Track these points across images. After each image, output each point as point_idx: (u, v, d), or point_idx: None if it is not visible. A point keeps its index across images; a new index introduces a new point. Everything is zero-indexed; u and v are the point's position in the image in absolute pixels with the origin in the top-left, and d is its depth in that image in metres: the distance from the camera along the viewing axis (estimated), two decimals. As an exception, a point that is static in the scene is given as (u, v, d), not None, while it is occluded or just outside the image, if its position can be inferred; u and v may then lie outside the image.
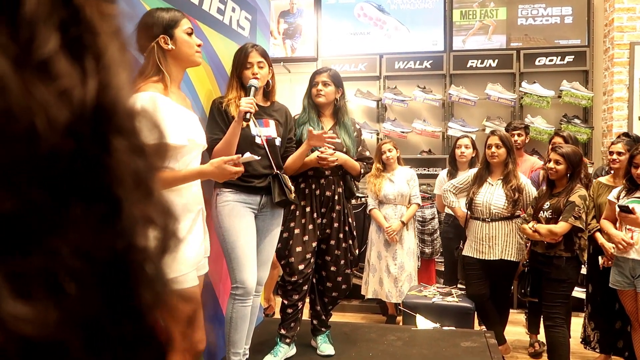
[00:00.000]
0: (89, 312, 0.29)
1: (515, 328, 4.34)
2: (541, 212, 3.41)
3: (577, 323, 3.97)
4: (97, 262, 0.29)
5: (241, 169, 2.15)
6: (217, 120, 2.56)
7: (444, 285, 4.22)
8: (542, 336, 3.79)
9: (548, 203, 3.39)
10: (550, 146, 3.82)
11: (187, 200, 1.94)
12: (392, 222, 4.35)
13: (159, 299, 0.33)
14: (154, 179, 0.33)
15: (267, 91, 2.78)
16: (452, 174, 4.38)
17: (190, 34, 2.01)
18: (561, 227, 3.26)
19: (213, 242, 2.80)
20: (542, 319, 3.61)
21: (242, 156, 2.22)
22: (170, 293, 0.34)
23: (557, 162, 3.36)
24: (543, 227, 3.33)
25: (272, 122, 2.74)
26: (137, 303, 0.32)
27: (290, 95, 5.62)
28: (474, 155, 4.36)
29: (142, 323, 0.32)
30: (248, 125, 2.59)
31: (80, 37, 0.30)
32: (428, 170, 5.58)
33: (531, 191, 3.65)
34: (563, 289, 3.38)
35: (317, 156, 2.82)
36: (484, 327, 3.79)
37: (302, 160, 2.83)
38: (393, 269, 4.35)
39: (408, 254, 4.36)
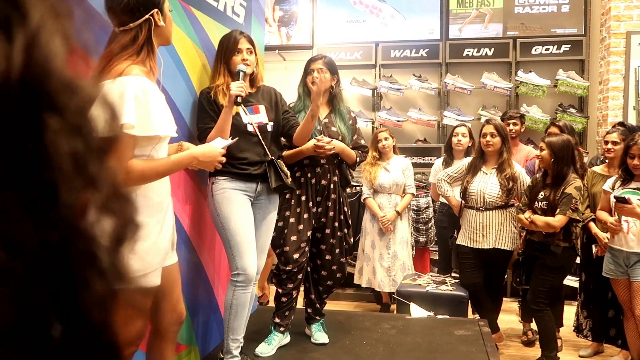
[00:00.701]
0: (18, 309, 0.26)
1: (508, 316, 4.36)
2: (536, 202, 3.42)
3: (569, 311, 4.00)
4: (26, 253, 0.26)
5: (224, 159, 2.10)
6: (207, 109, 2.54)
7: (438, 274, 4.23)
8: (535, 325, 3.81)
9: (543, 193, 3.39)
10: (547, 135, 3.82)
11: (159, 192, 1.81)
12: (387, 211, 4.35)
13: (113, 292, 0.30)
14: (101, 163, 0.30)
15: (252, 78, 2.76)
16: (447, 163, 4.37)
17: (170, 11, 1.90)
18: (559, 220, 3.27)
19: (208, 229, 2.80)
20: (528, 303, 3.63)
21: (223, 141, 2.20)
22: (128, 284, 0.31)
23: (541, 149, 3.41)
24: (540, 219, 3.34)
25: (261, 108, 2.72)
26: (82, 299, 0.29)
27: (286, 83, 5.59)
28: (470, 144, 4.36)
29: (89, 321, 0.29)
30: (239, 114, 2.58)
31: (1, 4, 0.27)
32: (423, 159, 5.57)
33: (525, 180, 3.65)
34: (554, 276, 3.41)
35: (314, 144, 2.80)
36: (477, 315, 3.81)
37: (310, 121, 2.74)
38: (386, 258, 4.36)
39: (401, 244, 4.37)
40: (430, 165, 5.09)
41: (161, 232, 1.79)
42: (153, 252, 1.75)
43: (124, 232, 0.31)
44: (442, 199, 4.45)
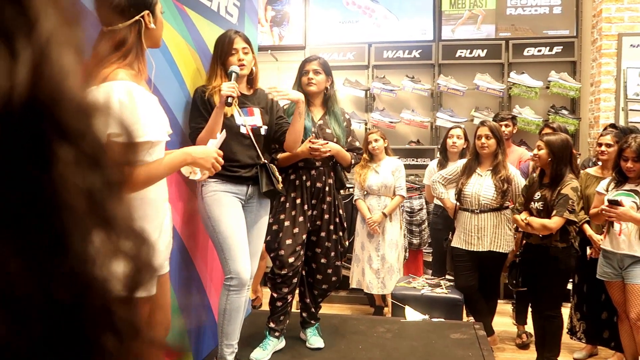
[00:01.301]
0: None
1: (503, 319, 4.35)
2: (532, 202, 3.39)
3: (563, 313, 3.99)
4: (29, 318, 0.22)
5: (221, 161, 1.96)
6: (200, 109, 2.50)
7: (432, 277, 4.21)
8: (529, 327, 3.80)
9: (539, 193, 3.37)
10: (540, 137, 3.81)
11: (156, 197, 1.71)
12: (375, 213, 4.33)
13: (127, 349, 0.25)
14: (118, 199, 0.26)
15: (250, 79, 2.72)
16: (442, 165, 4.35)
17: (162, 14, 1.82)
18: (555, 222, 3.24)
19: (201, 232, 2.75)
20: (531, 309, 3.61)
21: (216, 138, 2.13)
22: (143, 340, 0.26)
23: (539, 148, 3.37)
24: (536, 221, 3.30)
25: (256, 111, 2.67)
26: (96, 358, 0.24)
27: (278, 83, 5.54)
28: (465, 146, 4.34)
29: None
30: (232, 115, 2.54)
31: (4, 8, 0.22)
32: (417, 161, 5.56)
33: (520, 182, 3.64)
34: (561, 278, 3.40)
35: (309, 147, 2.77)
36: (472, 318, 3.79)
37: (297, 120, 2.71)
38: (375, 260, 4.34)
39: (390, 246, 4.34)
40: (423, 166, 5.07)
41: (159, 239, 1.73)
42: None
43: (139, 277, 0.26)
44: (436, 201, 4.43)
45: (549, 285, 3.39)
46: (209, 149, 1.83)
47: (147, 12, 1.69)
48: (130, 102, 1.57)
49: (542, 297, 3.46)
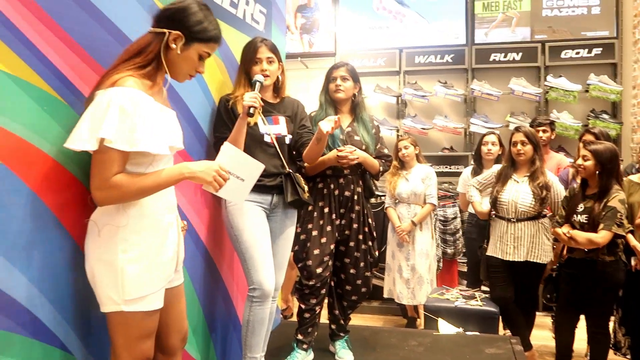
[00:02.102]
0: None
1: (541, 332, 4.18)
2: (575, 215, 3.22)
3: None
4: None
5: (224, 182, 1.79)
6: (223, 118, 2.47)
7: (467, 288, 4.08)
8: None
9: (582, 206, 3.20)
10: (580, 144, 3.65)
11: (155, 210, 1.67)
12: (404, 222, 4.23)
13: None
14: None
15: (277, 87, 2.67)
16: (476, 172, 4.23)
17: (202, 58, 1.74)
18: (603, 236, 3.04)
19: (226, 242, 2.71)
20: (586, 323, 3.41)
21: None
22: None
23: (584, 159, 3.19)
24: (581, 235, 3.11)
25: (282, 119, 2.63)
26: None
27: (308, 91, 5.52)
28: (500, 152, 4.21)
29: None
30: (256, 124, 2.50)
31: None
32: (450, 168, 5.43)
33: (559, 189, 3.48)
34: (609, 294, 3.21)
35: (337, 155, 2.70)
36: (508, 332, 3.64)
37: (316, 144, 2.61)
38: (405, 270, 4.24)
39: (421, 256, 4.23)
40: (457, 174, 4.95)
41: (160, 253, 1.68)
42: (150, 274, 1.64)
43: None
44: (470, 209, 4.30)
45: (597, 301, 3.21)
46: (210, 163, 1.75)
47: (177, 32, 1.65)
48: (132, 111, 1.53)
49: (589, 314, 3.28)
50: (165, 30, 1.66)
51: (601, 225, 3.05)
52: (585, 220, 3.14)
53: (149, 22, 1.74)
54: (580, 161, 3.21)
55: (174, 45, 1.66)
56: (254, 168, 2.00)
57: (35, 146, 1.52)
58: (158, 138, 1.60)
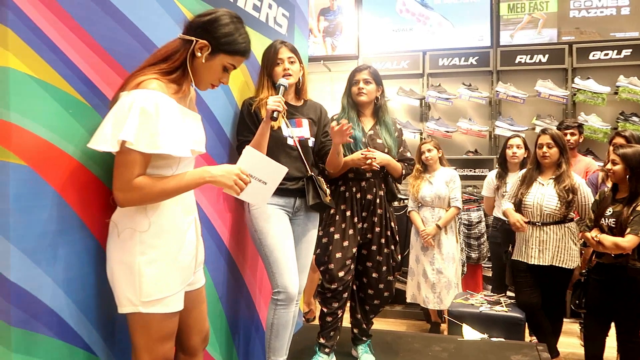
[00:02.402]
0: None
1: (569, 339, 4.08)
2: (603, 218, 3.14)
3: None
4: None
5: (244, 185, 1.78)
6: (247, 122, 2.48)
7: (492, 293, 4.01)
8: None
9: (611, 209, 3.12)
10: (610, 147, 3.56)
11: (174, 211, 1.68)
12: (428, 225, 4.18)
13: None
14: None
15: (299, 89, 2.67)
16: (501, 176, 4.16)
17: (226, 69, 1.74)
18: (630, 240, 2.95)
19: (249, 245, 2.71)
20: (616, 330, 3.31)
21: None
22: None
23: (613, 163, 3.11)
24: (608, 239, 3.03)
25: (305, 122, 2.63)
26: None
27: (331, 94, 5.52)
28: (525, 155, 4.13)
29: None
30: (280, 127, 2.50)
31: None
32: (474, 172, 5.36)
33: (586, 192, 3.40)
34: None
35: (362, 156, 2.69)
36: (535, 338, 3.57)
37: (336, 156, 2.65)
38: (431, 274, 4.18)
39: (447, 260, 4.17)
40: (481, 177, 4.88)
41: (179, 255, 1.68)
42: (168, 276, 1.65)
43: None
44: (495, 213, 4.24)
45: (627, 308, 3.12)
46: (230, 167, 1.74)
47: (203, 41, 1.66)
48: (155, 113, 1.54)
49: (619, 322, 3.19)
50: (192, 38, 1.66)
51: (628, 230, 2.97)
52: (613, 224, 3.06)
53: (176, 29, 1.75)
54: (609, 165, 3.13)
55: (199, 54, 1.67)
56: (276, 171, 1.99)
57: (59, 148, 1.54)
58: (179, 141, 1.60)
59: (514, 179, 4.05)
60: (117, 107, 1.55)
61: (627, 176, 3.06)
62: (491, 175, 4.31)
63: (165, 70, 1.64)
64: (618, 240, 3.00)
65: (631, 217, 2.98)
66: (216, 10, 1.73)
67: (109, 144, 1.51)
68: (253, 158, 1.91)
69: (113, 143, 1.51)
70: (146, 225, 1.61)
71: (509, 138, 4.27)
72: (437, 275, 4.17)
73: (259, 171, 1.92)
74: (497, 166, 4.37)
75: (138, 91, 1.55)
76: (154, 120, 1.53)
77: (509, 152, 4.15)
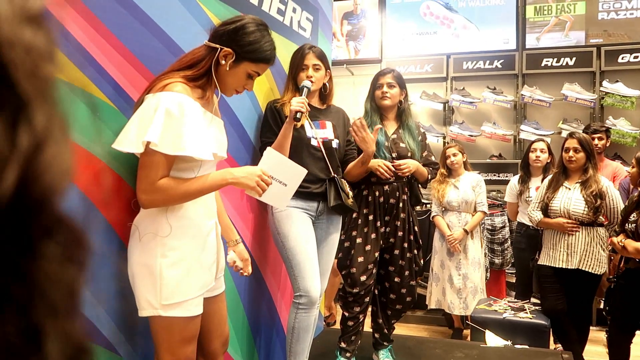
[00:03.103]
0: None
1: (595, 348, 4.00)
2: (627, 224, 3.08)
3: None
4: None
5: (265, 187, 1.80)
6: (270, 123, 2.49)
7: (516, 300, 3.95)
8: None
9: (635, 214, 3.06)
10: None
11: (195, 214, 1.69)
12: (455, 230, 4.14)
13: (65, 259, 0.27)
14: (81, 289, 0.27)
15: (325, 94, 2.67)
16: (524, 180, 4.11)
17: (250, 76, 1.77)
18: None
19: (271, 248, 2.72)
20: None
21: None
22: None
23: (633, 166, 3.09)
24: (631, 245, 2.97)
25: (329, 124, 2.63)
26: None
27: (354, 98, 5.51)
28: (549, 160, 4.07)
29: None
30: (303, 127, 2.50)
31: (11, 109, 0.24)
32: (498, 176, 5.29)
33: (615, 196, 3.33)
34: None
35: (385, 166, 2.69)
36: (560, 346, 3.51)
37: (360, 169, 2.69)
38: (456, 280, 4.13)
39: (473, 265, 4.13)
40: (505, 182, 4.81)
41: (200, 259, 1.69)
42: (189, 280, 1.64)
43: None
44: (519, 219, 4.18)
45: None
46: (253, 169, 1.76)
47: (228, 49, 1.68)
48: (179, 115, 1.55)
49: None
50: (217, 46, 1.69)
51: None
52: (633, 229, 3.00)
53: (203, 34, 1.78)
54: (629, 168, 3.10)
55: (223, 62, 1.70)
56: (296, 173, 2.00)
57: (85, 149, 1.57)
58: (203, 144, 1.61)
59: (536, 183, 3.99)
60: (142, 108, 1.57)
61: None
62: (514, 181, 4.26)
63: (190, 77, 1.66)
64: (639, 245, 2.93)
65: None
66: (242, 17, 1.75)
67: (133, 145, 1.53)
68: (274, 159, 1.93)
69: (137, 144, 1.53)
70: (167, 230, 1.62)
71: (533, 142, 4.21)
72: (464, 280, 4.12)
73: (279, 173, 1.92)
74: (520, 170, 4.31)
75: (164, 93, 1.56)
76: (178, 123, 1.55)
77: (532, 155, 4.10)
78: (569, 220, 3.33)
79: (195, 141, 1.58)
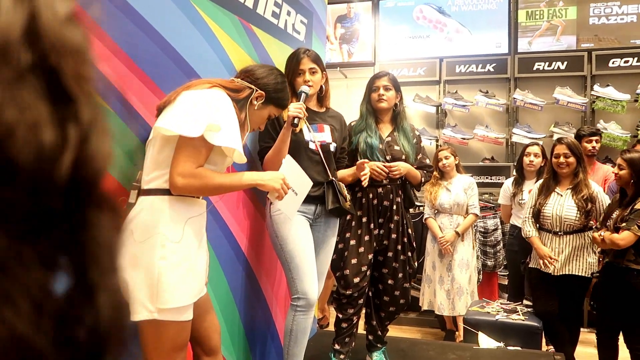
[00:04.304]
0: None
1: (586, 349, 4.03)
2: (609, 220, 3.14)
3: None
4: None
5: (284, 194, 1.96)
6: (268, 128, 2.49)
7: (508, 302, 3.98)
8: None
9: (617, 212, 3.11)
10: None
11: (200, 220, 1.72)
12: (447, 232, 4.16)
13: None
14: (121, 250, 0.32)
15: (321, 96, 2.68)
16: (518, 183, 4.14)
17: (269, 118, 2.04)
18: (624, 237, 2.96)
19: (266, 252, 2.73)
20: (623, 338, 3.27)
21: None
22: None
23: (619, 167, 3.14)
24: (607, 237, 3.05)
25: (327, 127, 2.64)
26: None
27: (347, 101, 5.52)
28: (542, 164, 4.10)
29: None
30: (301, 130, 2.51)
31: (63, 103, 0.28)
32: (491, 179, 5.33)
33: (604, 200, 3.38)
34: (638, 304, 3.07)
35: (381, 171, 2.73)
36: (552, 347, 3.53)
37: (351, 178, 2.75)
38: (446, 281, 4.16)
39: (461, 266, 4.15)
40: (498, 184, 4.85)
41: (196, 264, 1.69)
42: (188, 284, 1.63)
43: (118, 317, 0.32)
44: (512, 221, 4.21)
45: (630, 314, 3.08)
46: (277, 173, 1.93)
47: (262, 92, 1.92)
48: (228, 112, 1.67)
49: (626, 328, 3.15)
50: (254, 87, 1.90)
51: (623, 225, 2.97)
52: (613, 223, 3.07)
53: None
54: (616, 169, 3.18)
55: (255, 102, 1.90)
56: (305, 183, 2.13)
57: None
58: (237, 136, 1.71)
59: (530, 186, 4.03)
60: (191, 98, 1.64)
61: (633, 181, 3.06)
62: (507, 183, 4.29)
63: (233, 98, 1.79)
64: (613, 236, 3.01)
65: (628, 215, 2.98)
66: (270, 68, 2.04)
67: (187, 129, 1.57)
68: (291, 168, 2.06)
69: (195, 128, 1.57)
70: (179, 235, 1.62)
71: (527, 146, 4.24)
72: (452, 282, 4.15)
73: (293, 181, 2.04)
74: (514, 173, 4.34)
75: (214, 90, 1.69)
76: (229, 119, 1.66)
77: (526, 159, 4.13)
78: (552, 258, 3.36)
79: (238, 138, 1.69)
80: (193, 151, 1.61)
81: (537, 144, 4.26)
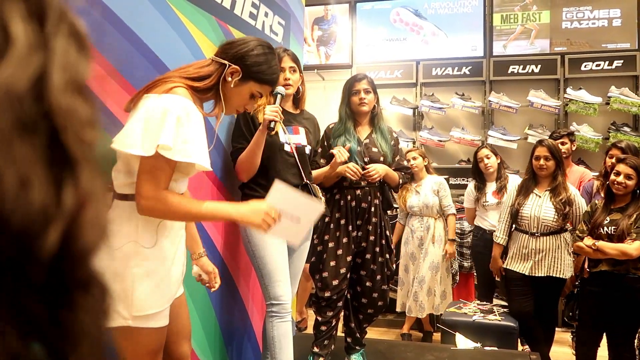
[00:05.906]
0: None
1: (561, 348, 4.09)
2: (601, 228, 3.12)
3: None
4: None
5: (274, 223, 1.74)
6: (242, 129, 2.46)
7: (485, 303, 4.01)
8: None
9: (609, 218, 3.13)
10: (608, 158, 3.59)
11: (177, 228, 1.66)
12: (416, 234, 4.22)
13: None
14: (107, 340, 0.30)
15: (297, 98, 2.67)
16: (479, 188, 4.13)
17: (253, 96, 1.78)
18: (636, 247, 2.93)
19: (243, 253, 2.70)
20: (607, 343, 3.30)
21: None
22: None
23: (628, 177, 3.05)
24: (611, 247, 3.01)
25: (302, 130, 2.63)
26: None
27: (325, 103, 5.52)
28: (498, 161, 4.12)
29: None
30: (277, 132, 2.49)
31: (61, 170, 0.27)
32: (466, 180, 5.36)
33: (581, 203, 3.42)
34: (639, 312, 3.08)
35: (352, 171, 2.71)
36: (527, 347, 3.58)
37: (325, 179, 2.74)
38: (415, 283, 4.19)
39: (431, 268, 4.18)
40: (475, 186, 4.88)
41: (172, 269, 1.64)
42: (162, 290, 1.59)
43: None
44: (476, 222, 4.23)
45: (624, 318, 3.10)
46: (258, 204, 1.71)
47: (236, 67, 1.69)
48: (187, 122, 1.51)
49: (614, 332, 3.18)
50: (226, 62, 1.69)
51: (633, 235, 2.96)
52: (613, 232, 3.06)
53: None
54: (621, 179, 3.05)
55: (229, 79, 1.69)
56: (312, 208, 1.89)
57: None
58: (206, 153, 1.58)
59: (492, 188, 4.07)
60: (146, 109, 1.50)
61: (637, 190, 3.07)
62: (470, 187, 4.29)
63: (199, 89, 1.64)
64: (623, 247, 2.97)
65: (635, 224, 2.98)
66: (251, 38, 1.78)
67: (139, 146, 1.45)
68: (283, 194, 1.80)
69: (146, 147, 1.45)
70: (153, 241, 1.56)
71: (476, 152, 4.22)
72: (419, 284, 4.18)
73: (290, 207, 1.79)
74: (472, 179, 4.32)
75: (170, 96, 1.51)
76: (186, 129, 1.50)
77: (481, 165, 4.12)
78: (501, 272, 3.58)
79: (201, 149, 1.54)
80: (152, 170, 1.48)
81: (484, 146, 4.27)
